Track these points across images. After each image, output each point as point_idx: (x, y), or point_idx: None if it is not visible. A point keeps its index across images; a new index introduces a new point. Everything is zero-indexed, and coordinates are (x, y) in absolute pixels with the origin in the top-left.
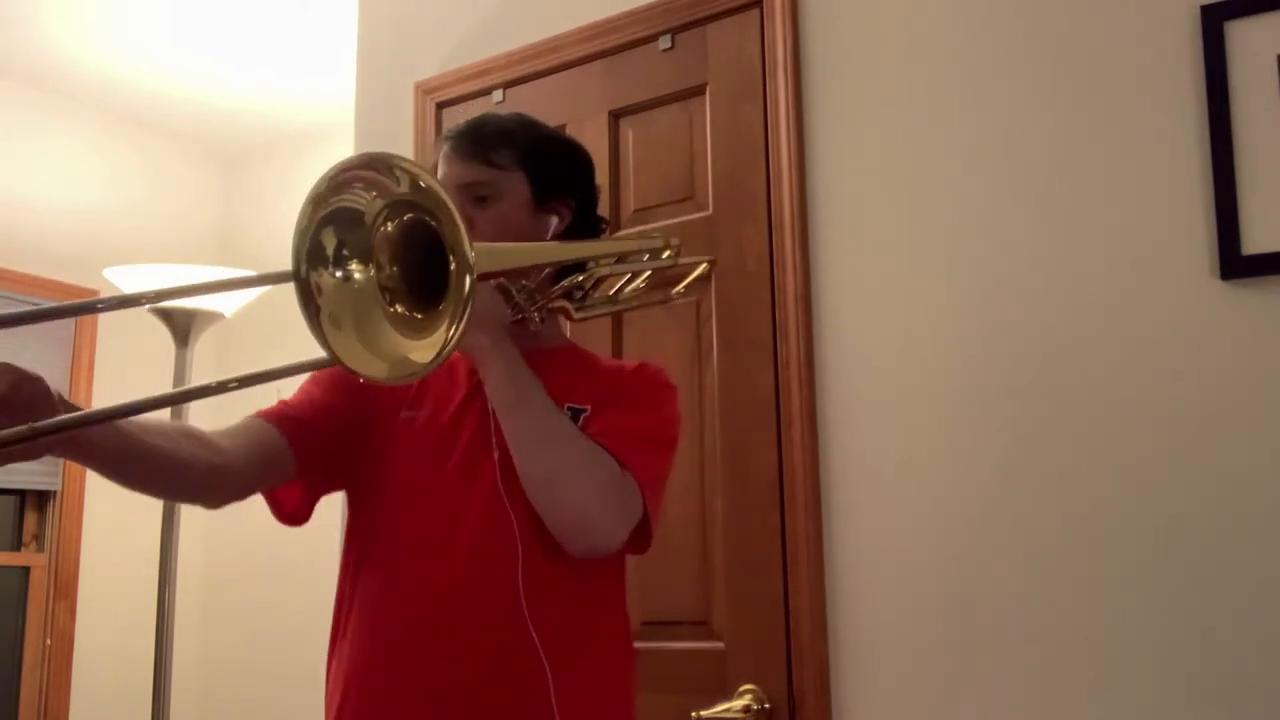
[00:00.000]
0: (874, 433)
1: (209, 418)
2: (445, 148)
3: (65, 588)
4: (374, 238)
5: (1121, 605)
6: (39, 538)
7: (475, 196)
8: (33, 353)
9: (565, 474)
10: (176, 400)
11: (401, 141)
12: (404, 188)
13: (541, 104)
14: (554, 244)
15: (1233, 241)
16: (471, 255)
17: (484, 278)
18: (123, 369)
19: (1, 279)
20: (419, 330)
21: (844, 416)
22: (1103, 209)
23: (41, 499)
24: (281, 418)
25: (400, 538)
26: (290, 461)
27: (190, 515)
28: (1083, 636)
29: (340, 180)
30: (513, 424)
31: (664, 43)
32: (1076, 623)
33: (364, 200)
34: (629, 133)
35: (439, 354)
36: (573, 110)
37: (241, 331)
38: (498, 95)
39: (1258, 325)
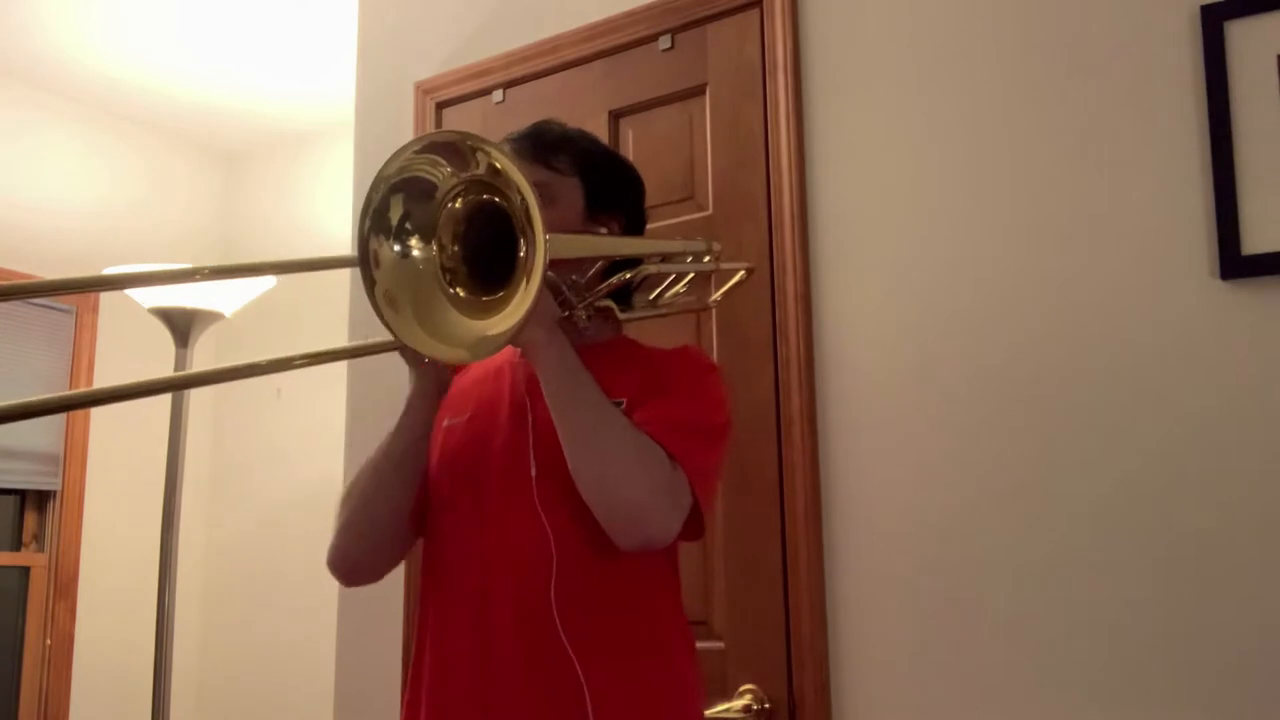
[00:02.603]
0: (874, 433)
1: (209, 416)
2: (506, 149)
3: (65, 588)
4: (440, 214)
5: (1122, 605)
6: (39, 538)
7: None
8: (33, 353)
9: (617, 467)
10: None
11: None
12: (481, 169)
13: (541, 104)
14: (612, 238)
15: (1233, 241)
16: (546, 239)
17: (550, 265)
18: (123, 369)
19: (1, 279)
20: (482, 311)
21: (844, 416)
22: (1103, 209)
23: (41, 499)
24: None
25: (444, 545)
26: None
27: (190, 515)
28: (1083, 636)
29: (423, 151)
30: (564, 418)
31: (664, 43)
32: (1076, 623)
33: (439, 176)
34: (629, 133)
35: (508, 330)
36: (573, 110)
37: (241, 331)
38: (498, 95)
39: (1258, 325)
